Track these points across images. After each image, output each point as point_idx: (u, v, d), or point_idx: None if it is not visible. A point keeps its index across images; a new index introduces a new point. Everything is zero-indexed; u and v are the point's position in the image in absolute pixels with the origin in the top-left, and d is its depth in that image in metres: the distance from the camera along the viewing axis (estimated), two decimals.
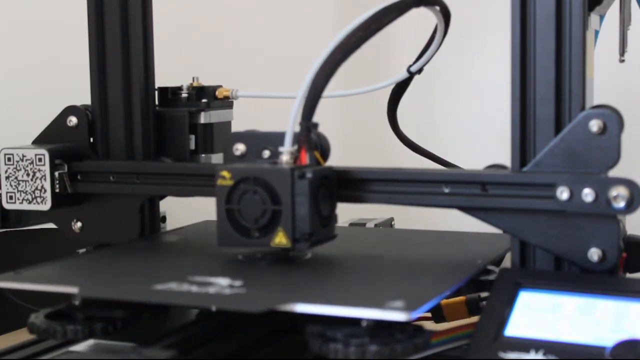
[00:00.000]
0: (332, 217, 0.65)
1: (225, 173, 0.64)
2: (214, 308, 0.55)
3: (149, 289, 0.58)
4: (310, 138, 0.64)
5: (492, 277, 0.64)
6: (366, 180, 0.66)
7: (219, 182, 0.64)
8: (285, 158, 0.64)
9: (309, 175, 0.62)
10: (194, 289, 0.58)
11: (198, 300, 0.56)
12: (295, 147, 0.64)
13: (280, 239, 0.62)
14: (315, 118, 0.64)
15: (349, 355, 0.51)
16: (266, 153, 0.69)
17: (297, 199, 0.62)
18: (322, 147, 0.67)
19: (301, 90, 0.63)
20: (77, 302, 0.59)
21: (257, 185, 0.63)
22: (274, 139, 0.67)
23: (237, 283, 0.59)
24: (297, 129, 0.64)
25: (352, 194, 0.66)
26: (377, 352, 0.51)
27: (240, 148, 0.70)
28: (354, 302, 0.54)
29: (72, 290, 0.58)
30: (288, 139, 0.64)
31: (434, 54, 0.77)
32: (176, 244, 0.75)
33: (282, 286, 0.61)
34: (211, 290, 0.57)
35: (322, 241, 0.64)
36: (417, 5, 0.67)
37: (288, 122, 0.64)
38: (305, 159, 0.63)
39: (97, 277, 0.65)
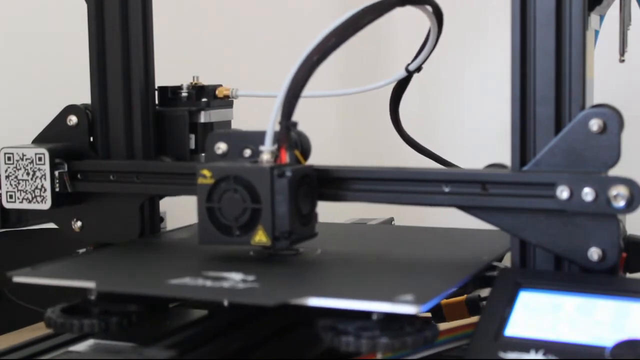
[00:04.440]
0: (312, 216, 0.66)
1: (205, 172, 0.64)
2: (226, 303, 0.55)
3: (165, 283, 0.59)
4: (290, 137, 0.64)
5: (497, 273, 0.65)
6: (347, 179, 0.66)
7: (200, 180, 0.64)
8: (265, 157, 0.64)
9: (288, 174, 0.62)
10: (209, 283, 0.59)
11: (213, 294, 0.57)
12: (276, 146, 0.64)
13: (260, 237, 0.63)
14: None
15: (361, 348, 0.52)
16: (247, 152, 0.70)
17: (277, 197, 0.62)
18: (302, 146, 0.68)
19: (281, 90, 0.64)
20: (92, 297, 0.60)
21: (237, 184, 0.63)
22: (255, 138, 0.68)
23: (250, 278, 0.60)
24: (278, 128, 0.64)
25: (333, 192, 0.66)
26: (387, 344, 0.52)
27: (221, 147, 0.71)
28: (365, 296, 0.54)
29: (89, 284, 0.59)
30: (268, 138, 0.64)
31: (429, 52, 0.77)
32: (187, 241, 0.76)
33: (294, 281, 0.62)
34: (225, 284, 0.58)
35: (302, 239, 0.65)
36: (402, 4, 0.67)
37: (268, 122, 0.64)
38: (285, 157, 0.64)
39: (112, 272, 0.66)
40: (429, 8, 0.73)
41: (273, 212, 0.62)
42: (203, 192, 0.64)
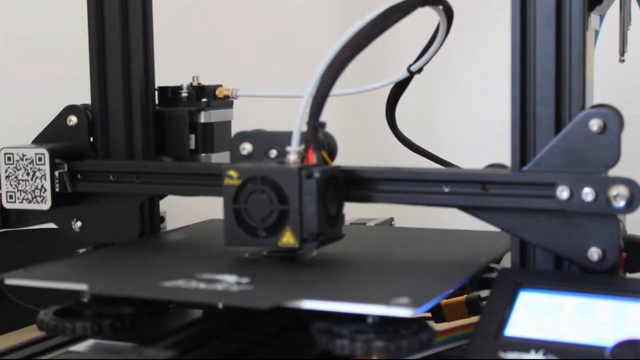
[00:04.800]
0: (339, 217, 0.65)
1: (232, 172, 0.64)
2: (220, 305, 0.55)
3: (158, 285, 0.59)
4: (318, 137, 0.63)
5: (495, 274, 0.64)
6: (373, 180, 0.66)
7: (226, 181, 0.64)
8: (292, 158, 0.63)
9: (316, 174, 0.62)
10: (202, 285, 0.58)
11: (206, 296, 0.57)
12: (303, 146, 0.64)
13: (288, 238, 0.62)
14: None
15: (355, 351, 0.52)
16: (273, 153, 0.69)
17: (305, 198, 0.62)
18: (329, 147, 0.67)
19: (308, 90, 0.63)
20: (85, 299, 0.60)
21: (264, 185, 0.63)
22: (281, 139, 0.67)
23: (244, 280, 0.59)
24: (304, 128, 0.64)
25: (359, 193, 0.66)
26: (382, 347, 0.52)
27: (247, 147, 0.70)
28: (360, 299, 0.54)
29: (82, 287, 0.59)
30: (295, 139, 0.64)
31: (435, 53, 0.77)
32: (182, 242, 0.76)
33: (288, 283, 0.61)
34: (219, 287, 0.58)
35: (330, 241, 0.64)
36: (423, 4, 0.68)
37: (295, 122, 0.64)
38: (312, 158, 0.63)
39: (106, 274, 0.66)
40: (440, 7, 0.73)
41: (301, 214, 0.62)
42: (229, 193, 0.64)
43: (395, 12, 0.65)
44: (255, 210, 0.63)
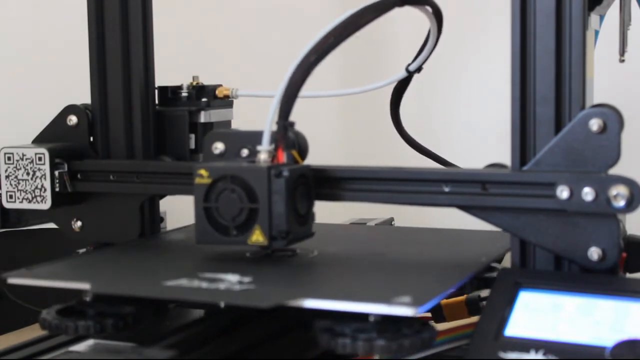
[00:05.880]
0: (309, 216, 0.66)
1: (203, 171, 0.64)
2: (222, 304, 0.55)
3: (160, 285, 0.59)
4: (288, 137, 0.64)
5: (495, 274, 0.64)
6: (344, 179, 0.66)
7: (197, 180, 0.64)
8: (262, 157, 0.64)
9: (285, 173, 0.62)
10: (204, 285, 0.58)
11: (209, 295, 0.57)
12: (273, 146, 0.64)
13: (257, 236, 0.63)
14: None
15: (357, 350, 0.52)
16: (245, 152, 0.70)
17: (274, 197, 0.62)
18: (300, 146, 0.68)
19: (279, 90, 0.64)
20: (88, 298, 0.60)
21: (234, 184, 0.63)
22: (253, 138, 0.68)
23: (247, 279, 0.59)
24: (275, 128, 0.64)
25: (331, 192, 0.66)
26: (384, 346, 0.52)
27: (219, 147, 0.71)
28: (361, 298, 0.54)
29: (84, 286, 0.59)
30: (265, 138, 0.64)
31: (430, 53, 0.77)
32: (184, 242, 0.76)
33: (290, 282, 0.61)
34: (221, 286, 0.58)
35: (299, 239, 0.65)
36: (401, 4, 0.68)
37: (265, 122, 0.64)
38: (282, 157, 0.64)
39: (108, 273, 0.66)
40: (429, 9, 0.73)
41: (270, 212, 0.62)
42: (200, 192, 0.64)
43: (367, 13, 0.65)
44: (226, 208, 0.63)
